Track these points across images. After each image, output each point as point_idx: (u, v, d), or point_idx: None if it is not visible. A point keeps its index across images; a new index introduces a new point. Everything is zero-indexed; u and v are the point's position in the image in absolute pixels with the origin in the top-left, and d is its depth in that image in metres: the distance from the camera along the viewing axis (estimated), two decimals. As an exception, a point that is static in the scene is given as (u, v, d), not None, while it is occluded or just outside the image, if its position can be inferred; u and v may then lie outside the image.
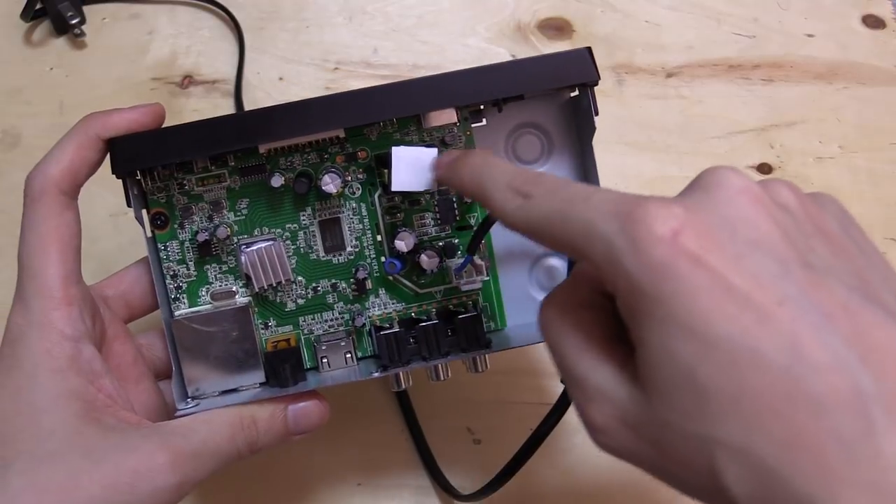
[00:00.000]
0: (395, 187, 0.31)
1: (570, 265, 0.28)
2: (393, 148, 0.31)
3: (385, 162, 0.32)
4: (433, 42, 0.51)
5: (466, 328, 0.33)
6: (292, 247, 0.34)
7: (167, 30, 0.51)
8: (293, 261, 0.33)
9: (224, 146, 0.31)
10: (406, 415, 0.40)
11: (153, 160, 0.31)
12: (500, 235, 0.35)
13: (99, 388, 0.29)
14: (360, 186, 0.34)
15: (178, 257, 0.33)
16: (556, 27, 0.52)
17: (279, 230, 0.33)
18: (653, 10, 0.52)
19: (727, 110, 0.49)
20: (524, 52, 0.51)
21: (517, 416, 0.41)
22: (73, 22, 0.49)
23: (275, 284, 0.33)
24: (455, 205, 0.33)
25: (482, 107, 0.34)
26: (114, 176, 0.31)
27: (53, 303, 0.28)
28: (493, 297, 0.35)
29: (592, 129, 0.34)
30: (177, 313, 0.33)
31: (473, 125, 0.34)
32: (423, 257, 0.33)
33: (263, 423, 0.30)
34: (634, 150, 0.48)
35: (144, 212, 0.32)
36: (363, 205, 0.34)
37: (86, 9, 0.50)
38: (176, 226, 0.33)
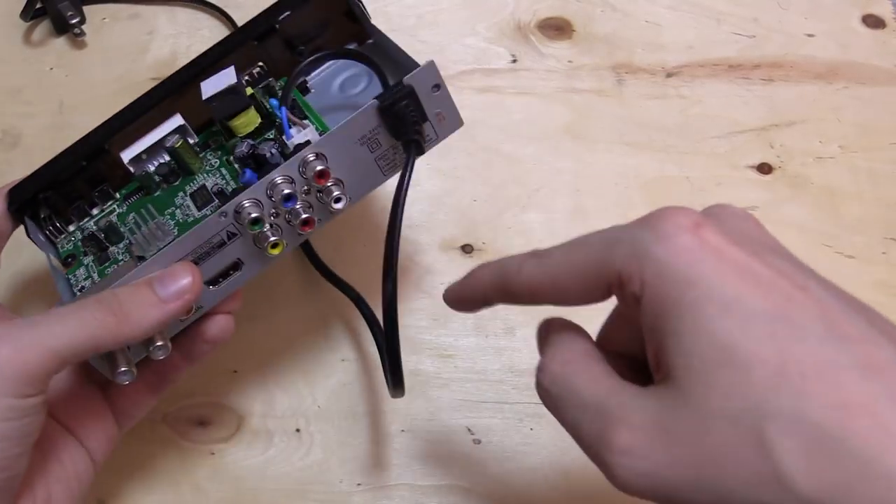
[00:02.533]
0: (205, 95, 0.33)
1: (541, 338, 0.29)
2: (202, 88, 0.34)
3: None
4: (433, 42, 0.51)
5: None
6: (172, 221, 0.35)
7: (167, 30, 0.51)
8: (174, 229, 0.34)
9: (79, 154, 0.35)
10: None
11: (32, 187, 0.35)
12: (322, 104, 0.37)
13: None
14: (217, 160, 0.36)
15: (84, 276, 0.35)
16: (555, 27, 0.52)
17: (162, 219, 0.35)
18: (653, 10, 0.52)
19: (727, 110, 0.49)
20: (524, 52, 0.51)
21: (517, 416, 0.41)
22: (73, 22, 0.49)
23: (163, 246, 0.33)
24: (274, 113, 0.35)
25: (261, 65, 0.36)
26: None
27: None
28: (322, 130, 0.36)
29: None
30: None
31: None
32: (261, 147, 0.34)
33: (124, 291, 0.29)
34: (634, 150, 0.48)
35: (56, 259, 0.35)
36: (223, 169, 0.35)
37: (86, 9, 0.50)
38: (81, 257, 0.35)
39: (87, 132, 0.36)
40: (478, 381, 0.42)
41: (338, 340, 0.42)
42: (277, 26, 0.36)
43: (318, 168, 0.31)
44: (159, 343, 0.31)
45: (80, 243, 0.35)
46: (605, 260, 0.23)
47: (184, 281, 0.30)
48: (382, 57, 0.36)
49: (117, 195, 0.36)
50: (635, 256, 0.22)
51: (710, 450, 0.20)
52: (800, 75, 0.50)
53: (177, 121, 0.35)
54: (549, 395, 0.25)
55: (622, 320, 0.27)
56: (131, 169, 0.35)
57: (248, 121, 0.34)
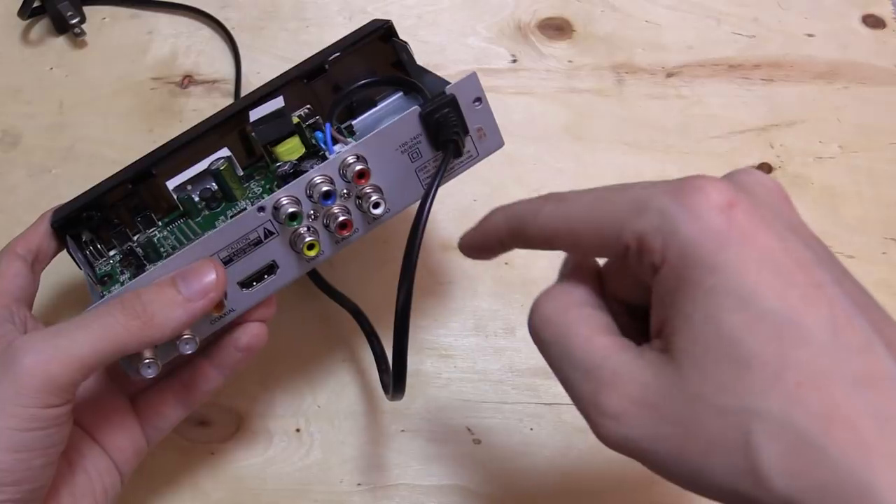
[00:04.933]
0: (251, 118, 0.34)
1: (561, 271, 0.28)
2: (249, 114, 0.34)
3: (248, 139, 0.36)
4: (433, 42, 0.51)
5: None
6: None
7: (167, 30, 0.51)
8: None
9: (125, 178, 0.35)
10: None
11: (76, 205, 0.35)
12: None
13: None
14: (261, 188, 0.36)
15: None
16: (556, 27, 0.52)
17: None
18: (653, 10, 0.52)
19: (727, 110, 0.49)
20: (524, 52, 0.51)
21: (517, 416, 0.41)
22: (73, 22, 0.49)
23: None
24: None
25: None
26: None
27: None
28: None
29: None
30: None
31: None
32: (305, 164, 0.34)
33: (147, 292, 0.29)
34: (634, 150, 0.48)
35: (93, 278, 0.35)
36: (265, 196, 0.35)
37: (86, 9, 0.50)
38: (118, 275, 0.35)
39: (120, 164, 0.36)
40: (478, 381, 0.42)
41: (338, 341, 0.42)
42: (327, 66, 0.36)
43: (358, 168, 0.31)
44: (186, 336, 0.30)
45: (118, 265, 0.35)
46: (630, 224, 0.23)
47: (208, 278, 0.29)
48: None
49: (159, 223, 0.36)
50: (661, 231, 0.22)
51: (696, 436, 0.21)
52: (800, 75, 0.50)
53: (223, 153, 0.35)
54: (540, 337, 0.25)
55: (628, 271, 0.25)
56: (175, 196, 0.35)
57: (292, 149, 0.34)
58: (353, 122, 0.37)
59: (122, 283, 0.34)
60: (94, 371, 0.27)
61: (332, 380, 0.41)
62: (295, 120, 0.34)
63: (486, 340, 0.43)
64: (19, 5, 0.49)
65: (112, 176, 0.36)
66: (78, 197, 0.36)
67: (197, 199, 0.35)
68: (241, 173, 0.36)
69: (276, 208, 0.31)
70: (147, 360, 0.29)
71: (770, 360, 0.20)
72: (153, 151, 0.36)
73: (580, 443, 0.40)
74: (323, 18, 0.51)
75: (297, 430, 0.40)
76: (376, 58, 0.37)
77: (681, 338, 0.21)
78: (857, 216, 0.46)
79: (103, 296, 0.34)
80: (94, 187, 0.36)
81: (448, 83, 0.33)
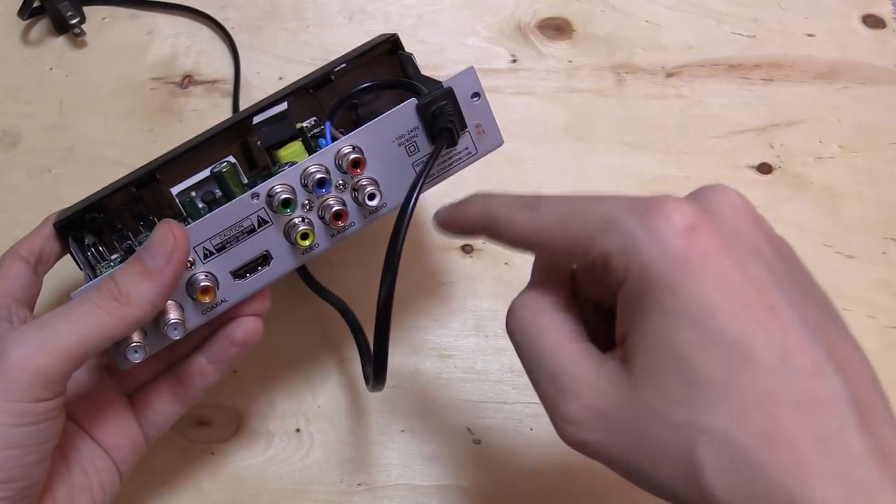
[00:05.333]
0: (255, 121, 0.33)
1: (534, 270, 0.29)
2: (253, 118, 0.34)
3: (250, 150, 0.36)
4: (433, 42, 0.51)
5: None
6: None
7: (167, 30, 0.51)
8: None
9: (130, 182, 0.35)
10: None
11: (79, 206, 0.35)
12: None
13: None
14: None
15: None
16: (555, 27, 0.52)
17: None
18: (653, 10, 0.52)
19: (727, 110, 0.49)
20: (524, 52, 0.51)
21: (517, 416, 0.41)
22: (73, 22, 0.49)
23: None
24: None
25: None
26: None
27: None
28: None
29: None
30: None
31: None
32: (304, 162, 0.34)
33: (119, 273, 0.29)
34: (634, 150, 0.48)
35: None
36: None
37: (86, 9, 0.50)
38: None
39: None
40: (478, 381, 0.42)
41: (337, 340, 0.42)
42: (333, 77, 0.36)
43: (353, 157, 0.31)
44: (173, 320, 0.30)
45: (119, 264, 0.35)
46: (596, 242, 0.24)
47: (167, 240, 0.29)
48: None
49: None
50: (625, 251, 0.23)
51: (647, 445, 0.22)
52: (800, 75, 0.50)
53: (229, 161, 0.35)
54: (514, 338, 0.27)
55: (596, 278, 0.26)
56: (178, 201, 0.35)
57: (294, 153, 0.34)
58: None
59: None
60: (82, 361, 0.27)
61: (332, 380, 0.41)
62: (298, 125, 0.34)
63: (486, 340, 0.43)
64: (19, 5, 0.49)
65: (116, 180, 0.36)
66: (81, 201, 0.36)
67: (200, 203, 0.35)
68: (246, 181, 0.36)
69: (270, 196, 0.31)
70: (134, 344, 0.29)
71: (718, 379, 0.21)
72: (158, 157, 0.36)
73: (580, 443, 0.40)
74: (323, 18, 0.51)
75: (297, 430, 0.40)
76: (382, 70, 0.37)
77: (638, 352, 0.23)
78: (857, 216, 0.46)
79: None
80: (98, 191, 0.36)
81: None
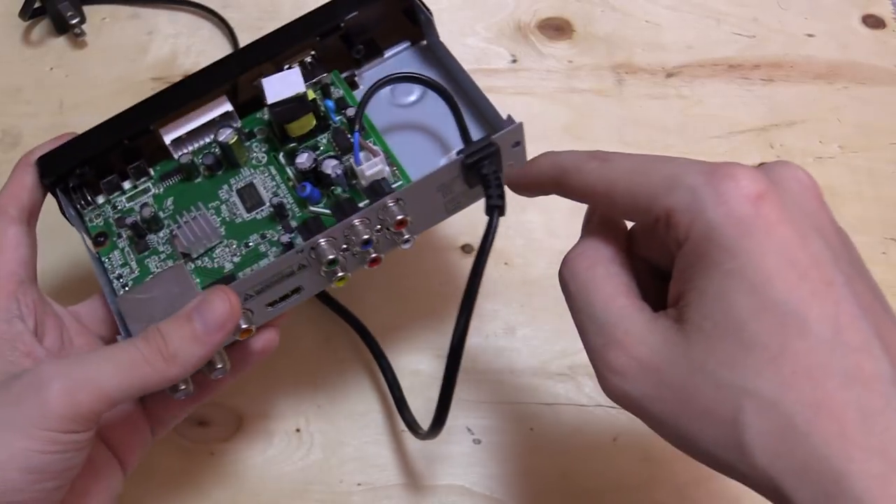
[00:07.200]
0: (270, 100, 0.33)
1: (585, 225, 0.29)
2: (262, 79, 0.34)
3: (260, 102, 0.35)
4: (433, 42, 0.51)
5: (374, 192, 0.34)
6: (218, 219, 0.34)
7: (167, 29, 0.51)
8: (222, 229, 0.34)
9: (123, 132, 0.35)
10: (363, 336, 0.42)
11: (69, 161, 0.34)
12: (375, 114, 0.36)
13: (23, 353, 0.30)
14: (264, 154, 0.36)
15: (120, 262, 0.34)
16: (555, 27, 0.52)
17: (207, 213, 0.35)
18: (653, 9, 0.52)
19: (727, 110, 0.49)
20: (524, 52, 0.51)
21: (517, 416, 0.41)
22: (73, 22, 0.49)
23: (212, 247, 0.34)
24: (347, 134, 0.35)
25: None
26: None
27: None
28: (391, 159, 0.35)
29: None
30: (119, 292, 0.34)
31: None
32: (325, 164, 0.34)
33: (167, 328, 0.29)
34: (634, 150, 0.47)
35: (87, 237, 0.35)
36: (271, 167, 0.35)
37: (86, 8, 0.50)
38: (115, 239, 0.35)
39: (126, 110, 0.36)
40: (478, 381, 0.42)
41: (338, 340, 0.42)
42: (343, 24, 0.35)
43: (399, 217, 0.31)
44: (219, 366, 0.31)
45: (111, 220, 0.35)
46: (662, 199, 0.24)
47: (221, 311, 0.29)
48: (435, 63, 0.38)
49: (152, 171, 0.36)
50: (690, 211, 0.23)
51: (692, 404, 0.22)
52: (800, 75, 0.50)
53: (224, 107, 0.35)
54: (567, 288, 0.27)
55: (656, 237, 0.27)
56: (172, 151, 0.35)
57: (305, 123, 0.34)
58: (358, 72, 0.37)
59: (123, 252, 0.34)
60: (118, 404, 0.28)
61: (332, 380, 0.41)
62: (311, 95, 0.34)
63: (486, 340, 0.43)
64: (20, 6, 0.49)
65: (105, 127, 0.35)
66: (64, 147, 0.35)
67: (198, 160, 0.35)
68: (239, 125, 0.36)
69: (314, 248, 0.31)
70: (182, 388, 0.30)
71: (771, 345, 0.21)
72: (150, 101, 0.36)
73: (580, 443, 0.40)
74: (323, 18, 0.51)
75: (297, 430, 0.40)
76: (391, 6, 0.37)
77: (693, 311, 0.23)
78: (857, 216, 0.46)
79: (103, 262, 0.34)
80: (83, 137, 0.35)
81: (465, 76, 0.35)
